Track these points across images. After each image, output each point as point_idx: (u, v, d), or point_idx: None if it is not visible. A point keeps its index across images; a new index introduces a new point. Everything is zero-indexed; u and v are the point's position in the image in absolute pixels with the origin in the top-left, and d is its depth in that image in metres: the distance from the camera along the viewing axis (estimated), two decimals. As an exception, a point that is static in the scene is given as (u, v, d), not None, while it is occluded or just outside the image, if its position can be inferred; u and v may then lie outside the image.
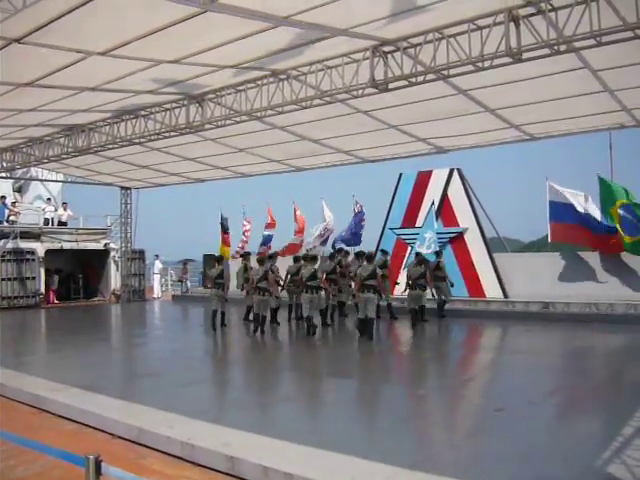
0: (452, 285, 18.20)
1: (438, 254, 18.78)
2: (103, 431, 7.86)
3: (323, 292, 16.49)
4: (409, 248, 21.12)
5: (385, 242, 22.05)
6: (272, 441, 6.74)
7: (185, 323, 20.09)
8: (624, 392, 9.31)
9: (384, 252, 18.81)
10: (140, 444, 7.28)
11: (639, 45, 9.38)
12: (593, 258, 18.29)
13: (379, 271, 15.08)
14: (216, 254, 28.16)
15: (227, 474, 6.27)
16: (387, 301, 17.91)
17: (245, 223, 27.96)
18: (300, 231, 25.78)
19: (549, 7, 8.98)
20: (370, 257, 15.14)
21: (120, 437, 7.58)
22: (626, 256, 17.51)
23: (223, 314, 17.31)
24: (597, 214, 18.19)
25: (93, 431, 7.96)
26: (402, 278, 18.97)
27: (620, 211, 17.39)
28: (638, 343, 13.83)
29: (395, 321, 17.69)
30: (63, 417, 8.60)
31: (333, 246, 22.80)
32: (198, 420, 7.60)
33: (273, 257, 18.52)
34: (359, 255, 17.00)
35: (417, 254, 18.11)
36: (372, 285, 14.43)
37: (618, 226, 17.28)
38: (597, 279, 17.84)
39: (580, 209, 18.40)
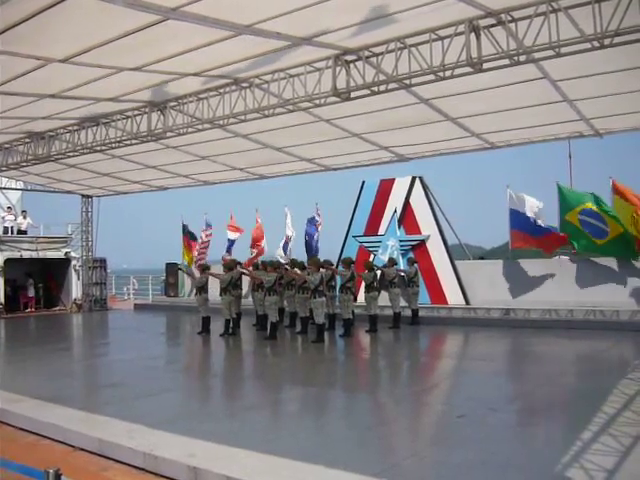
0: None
1: (412, 261, 19.29)
2: (64, 443, 7.76)
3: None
4: (372, 256, 21.15)
5: (348, 250, 22.10)
6: (236, 451, 6.70)
7: (148, 332, 19.79)
8: (583, 397, 9.43)
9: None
10: (102, 456, 7.19)
11: (596, 56, 9.58)
12: (553, 265, 18.58)
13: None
14: (178, 262, 28.02)
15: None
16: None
17: (204, 234, 27.56)
18: (257, 240, 25.34)
19: (509, 18, 9.14)
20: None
21: (82, 449, 7.48)
22: (585, 263, 17.81)
23: (228, 322, 17.05)
24: (542, 217, 18.67)
25: (53, 443, 7.84)
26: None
27: (580, 216, 17.68)
28: (597, 349, 14.03)
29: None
30: (22, 429, 8.46)
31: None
32: (161, 430, 7.54)
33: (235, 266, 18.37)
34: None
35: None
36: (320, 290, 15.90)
37: (579, 227, 17.67)
38: (557, 286, 18.07)
39: (529, 214, 18.81)
